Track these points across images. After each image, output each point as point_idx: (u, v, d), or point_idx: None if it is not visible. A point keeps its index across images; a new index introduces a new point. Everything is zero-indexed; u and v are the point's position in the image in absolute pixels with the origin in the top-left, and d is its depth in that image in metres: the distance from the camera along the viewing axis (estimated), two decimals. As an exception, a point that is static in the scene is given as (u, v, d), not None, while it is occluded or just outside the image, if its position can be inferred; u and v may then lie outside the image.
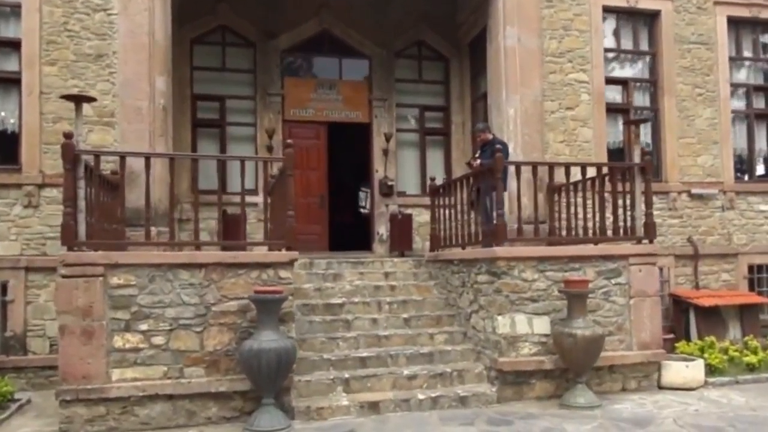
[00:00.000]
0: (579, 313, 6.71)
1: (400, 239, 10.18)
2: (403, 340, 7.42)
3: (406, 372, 6.86)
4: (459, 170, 10.72)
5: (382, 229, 10.65)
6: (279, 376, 5.95)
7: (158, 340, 5.99)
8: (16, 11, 7.55)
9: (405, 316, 7.82)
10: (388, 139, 10.70)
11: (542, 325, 6.95)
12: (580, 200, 7.65)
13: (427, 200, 9.92)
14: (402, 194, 10.90)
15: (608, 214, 7.58)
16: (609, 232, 7.57)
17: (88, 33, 7.64)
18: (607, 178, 7.67)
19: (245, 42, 10.50)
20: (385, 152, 10.74)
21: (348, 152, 12.01)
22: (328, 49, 10.99)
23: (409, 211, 10.51)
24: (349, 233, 11.73)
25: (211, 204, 7.85)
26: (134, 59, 7.62)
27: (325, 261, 8.80)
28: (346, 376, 6.68)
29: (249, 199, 7.44)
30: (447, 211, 8.56)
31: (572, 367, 6.77)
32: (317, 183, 10.64)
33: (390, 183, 10.69)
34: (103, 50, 7.65)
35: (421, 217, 10.46)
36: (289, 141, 6.64)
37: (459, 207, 8.12)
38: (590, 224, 7.57)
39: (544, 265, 7.00)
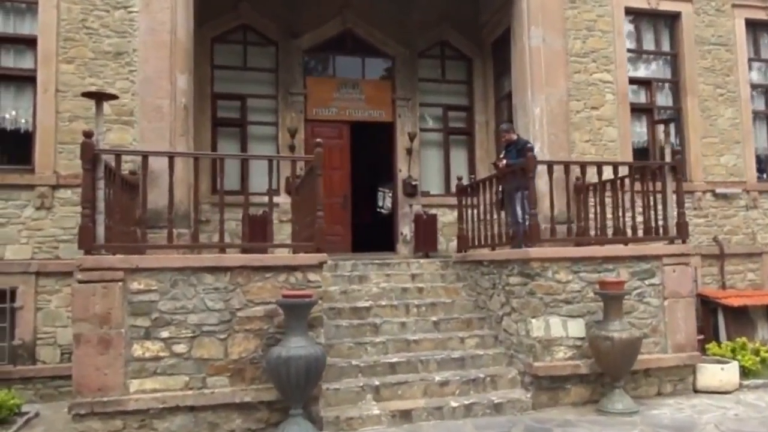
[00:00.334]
0: (615, 316, 6.12)
1: (425, 240, 9.49)
2: (433, 344, 6.74)
3: (437, 378, 6.19)
4: (483, 170, 10.08)
5: (405, 229, 9.96)
6: (308, 384, 5.32)
7: (180, 348, 5.35)
8: (32, 8, 6.92)
9: (434, 319, 7.13)
10: (411, 138, 10.02)
11: (577, 328, 6.33)
12: (608, 200, 7.12)
13: (450, 200, 9.30)
14: (426, 194, 10.23)
15: (636, 214, 7.03)
16: (640, 232, 7.01)
17: (107, 30, 7.00)
18: (636, 177, 7.13)
19: (267, 41, 9.87)
20: (409, 152, 10.06)
21: (367, 152, 11.32)
22: (351, 48, 10.34)
23: (433, 211, 9.82)
24: (369, 234, 11.02)
25: (231, 205, 7.32)
26: (155, 57, 6.97)
27: (349, 263, 8.13)
28: (376, 383, 6.01)
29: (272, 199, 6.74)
30: (475, 212, 7.91)
31: (609, 372, 6.16)
32: (340, 183, 9.96)
33: (414, 183, 10.00)
34: (122, 48, 7.01)
35: (445, 218, 9.79)
36: (318, 140, 6.00)
37: (487, 207, 7.47)
38: (620, 224, 6.94)
39: (578, 266, 6.41)
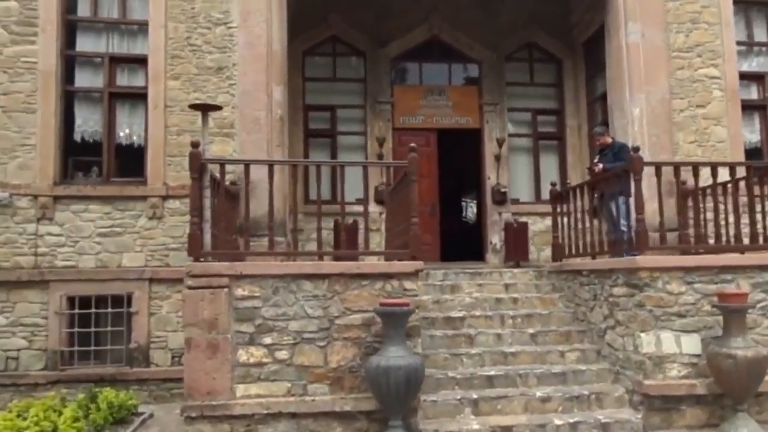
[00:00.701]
0: (738, 331, 5.59)
1: (516, 249, 9.20)
2: (530, 357, 6.47)
3: (538, 393, 5.91)
4: (575, 176, 9.66)
5: (495, 238, 9.72)
6: (408, 395, 5.22)
7: (282, 354, 5.40)
8: (143, 29, 7.32)
9: (530, 331, 6.85)
10: (500, 144, 9.79)
11: (692, 344, 5.83)
12: (721, 205, 6.54)
13: (541, 208, 8.98)
14: (515, 202, 9.95)
15: (755, 220, 6.45)
16: (760, 239, 6.43)
17: (209, 47, 7.29)
18: (755, 181, 6.55)
19: (355, 51, 10.00)
20: (497, 158, 9.83)
21: (453, 159, 11.17)
22: (438, 54, 10.29)
23: (523, 219, 9.52)
24: (457, 242, 10.85)
25: (323, 214, 7.45)
26: (253, 70, 7.19)
27: (440, 272, 7.99)
28: (474, 396, 5.81)
29: (360, 208, 6.76)
30: (571, 219, 7.54)
31: (731, 393, 5.63)
32: (428, 191, 9.87)
33: (503, 190, 9.75)
34: (223, 63, 7.27)
35: (536, 226, 9.47)
36: (412, 145, 5.92)
37: (583, 214, 7.12)
38: (738, 230, 6.38)
39: (691, 276, 5.90)
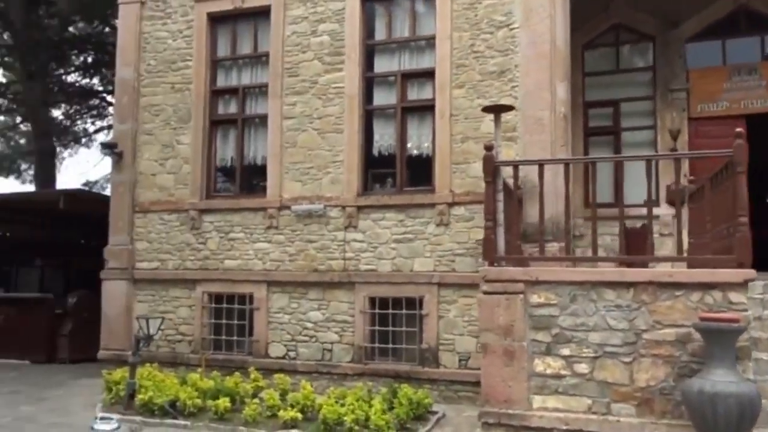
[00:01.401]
0: None
1: None
2: None
3: None
4: None
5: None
6: (740, 430, 4.33)
7: (582, 368, 4.99)
8: (430, 43, 7.62)
9: None
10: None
11: None
12: None
13: None
14: None
15: None
16: None
17: (491, 51, 7.25)
18: None
19: (641, 37, 9.03)
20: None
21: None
22: (745, 27, 8.68)
23: None
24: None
25: (606, 218, 6.94)
26: (535, 69, 6.93)
27: (759, 283, 6.54)
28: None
29: (643, 211, 5.90)
30: None
31: None
32: (741, 188, 8.31)
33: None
34: (505, 66, 7.17)
35: None
36: (739, 130, 5.02)
37: None
38: None
39: None
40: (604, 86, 9.17)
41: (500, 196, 5.23)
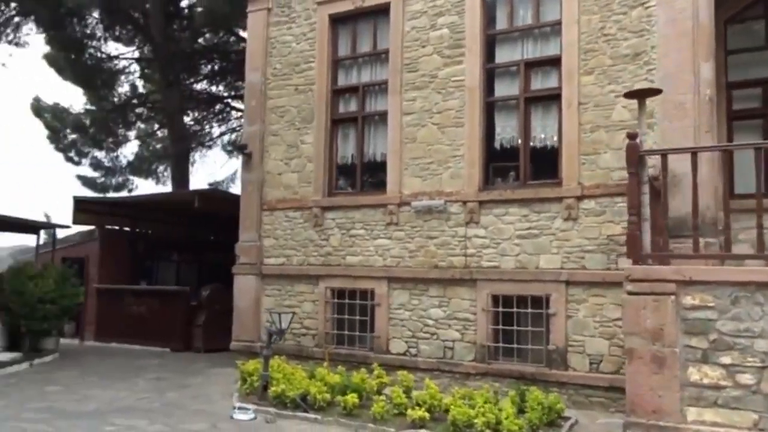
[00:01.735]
0: None
1: None
2: None
3: None
4: None
5: None
6: None
7: (746, 378, 4.43)
8: (555, 29, 7.19)
9: None
10: None
11: None
12: None
13: None
14: None
15: None
16: None
17: (624, 33, 6.68)
18: None
19: (800, 6, 7.89)
20: None
21: None
22: None
23: None
24: None
25: (748, 211, 5.96)
26: (675, 49, 6.29)
27: None
28: None
29: None
30: None
31: None
32: None
33: None
34: (640, 48, 6.57)
35: None
36: None
37: None
38: None
39: None
40: (751, 64, 8.11)
41: (645, 189, 4.74)
